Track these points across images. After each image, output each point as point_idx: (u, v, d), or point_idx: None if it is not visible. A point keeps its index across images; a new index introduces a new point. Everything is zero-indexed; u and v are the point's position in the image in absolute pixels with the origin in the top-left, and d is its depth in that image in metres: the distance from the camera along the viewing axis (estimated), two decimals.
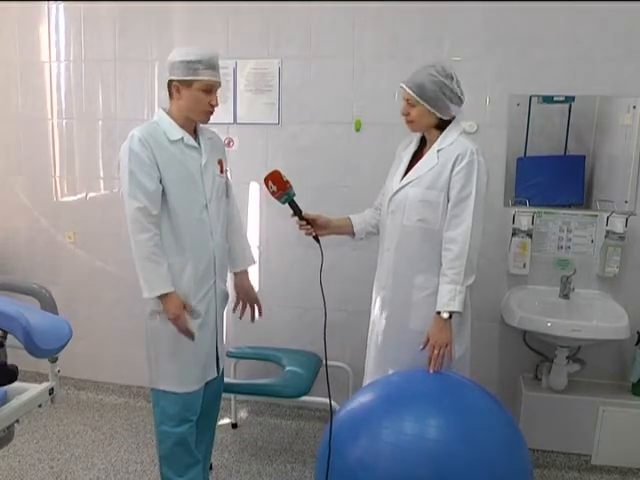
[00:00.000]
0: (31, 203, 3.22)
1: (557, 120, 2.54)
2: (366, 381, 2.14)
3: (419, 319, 1.99)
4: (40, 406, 1.76)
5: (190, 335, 1.95)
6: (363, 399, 1.82)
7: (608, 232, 2.51)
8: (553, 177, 2.60)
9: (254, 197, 2.91)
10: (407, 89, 1.92)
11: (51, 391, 1.77)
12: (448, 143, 1.94)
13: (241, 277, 2.22)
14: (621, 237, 2.48)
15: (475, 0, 2.50)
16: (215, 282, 2.04)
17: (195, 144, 2.00)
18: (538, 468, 2.54)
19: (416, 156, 2.05)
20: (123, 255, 3.01)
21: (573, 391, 2.55)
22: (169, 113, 1.97)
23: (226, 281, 2.17)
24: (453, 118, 1.97)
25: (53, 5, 3.00)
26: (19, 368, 1.60)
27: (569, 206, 2.60)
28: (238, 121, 2.86)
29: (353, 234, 2.21)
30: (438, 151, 1.95)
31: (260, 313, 2.23)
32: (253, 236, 2.95)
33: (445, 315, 1.89)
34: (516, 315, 2.40)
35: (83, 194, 3.15)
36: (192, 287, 1.98)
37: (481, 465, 1.56)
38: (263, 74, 2.79)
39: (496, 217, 2.60)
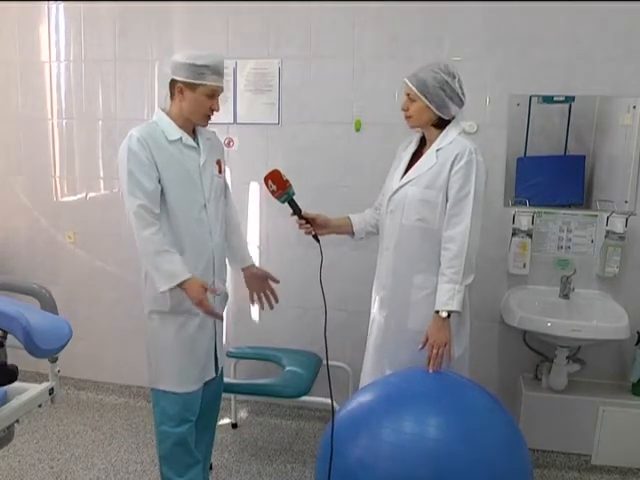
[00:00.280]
0: (31, 203, 3.22)
1: (557, 120, 2.54)
2: (363, 380, 2.15)
3: (418, 319, 1.99)
4: (40, 406, 1.76)
5: (218, 316, 1.98)
6: (363, 399, 1.82)
7: (608, 232, 2.51)
8: (553, 177, 2.60)
9: (254, 197, 2.91)
10: (409, 83, 1.93)
11: (51, 391, 1.77)
12: (447, 142, 1.95)
13: (250, 269, 2.22)
14: (621, 237, 2.48)
15: (475, 0, 2.51)
16: (214, 282, 2.04)
17: (194, 144, 2.00)
18: (538, 468, 2.54)
19: (416, 156, 2.06)
20: (123, 255, 3.03)
21: (573, 391, 2.55)
22: (168, 113, 1.97)
23: (225, 281, 2.17)
24: (453, 118, 1.98)
25: (53, 5, 3.00)
26: (19, 368, 1.60)
27: (569, 206, 2.60)
28: (238, 121, 2.86)
29: (353, 234, 2.22)
30: (437, 150, 1.95)
31: (276, 299, 2.21)
32: (253, 236, 2.95)
33: (444, 314, 1.89)
34: (516, 315, 2.40)
35: (83, 194, 3.15)
36: None
37: (481, 465, 1.56)
38: (263, 74, 2.79)
39: (496, 217, 2.60)
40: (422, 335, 1.94)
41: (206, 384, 2.09)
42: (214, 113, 1.98)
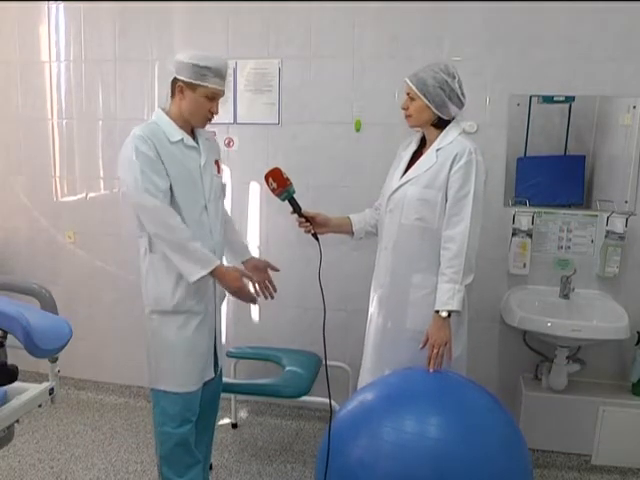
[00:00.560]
0: (31, 203, 3.22)
1: (557, 120, 2.54)
2: (362, 380, 2.15)
3: (417, 318, 1.99)
4: (40, 406, 1.76)
5: (255, 300, 2.02)
6: (363, 398, 1.82)
7: (608, 232, 2.51)
8: (553, 177, 2.60)
9: (254, 197, 2.91)
10: (409, 82, 1.94)
11: (51, 391, 1.77)
12: (447, 142, 1.95)
13: (251, 261, 2.23)
14: (621, 237, 2.48)
15: (475, 0, 2.51)
16: (214, 281, 2.04)
17: (195, 145, 2.00)
18: (538, 468, 2.54)
19: (416, 156, 2.06)
20: (123, 255, 3.03)
21: (573, 391, 2.55)
22: (168, 113, 1.97)
23: None
24: (453, 119, 1.98)
25: (53, 5, 3.00)
26: (19, 368, 1.60)
27: (569, 206, 2.60)
28: (238, 121, 2.86)
29: (352, 233, 2.22)
30: (437, 150, 1.96)
31: (275, 288, 2.21)
32: (253, 236, 2.95)
33: (444, 314, 1.89)
34: (516, 315, 2.40)
35: (83, 194, 3.15)
36: (192, 286, 1.97)
37: (481, 464, 1.56)
38: (263, 74, 2.79)
39: (496, 217, 2.61)
40: (421, 334, 1.94)
41: (205, 384, 2.09)
42: (213, 116, 1.99)
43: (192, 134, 2.02)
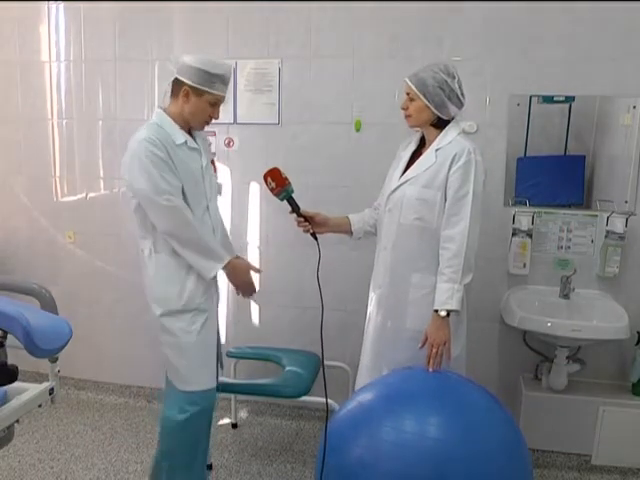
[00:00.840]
0: (31, 203, 3.22)
1: (557, 120, 2.54)
2: (360, 379, 2.15)
3: (416, 318, 2.00)
4: (40, 406, 1.75)
5: (255, 291, 2.10)
6: (363, 398, 1.82)
7: (608, 232, 2.51)
8: (553, 177, 2.59)
9: (254, 197, 2.91)
10: (408, 82, 1.95)
11: (51, 391, 1.77)
12: (446, 142, 1.95)
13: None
14: (621, 237, 2.48)
15: (475, 0, 2.50)
16: (216, 280, 2.05)
17: (196, 146, 2.01)
18: (538, 468, 2.54)
19: (415, 155, 2.07)
20: (123, 255, 3.03)
21: (573, 391, 2.55)
22: (168, 113, 1.96)
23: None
24: (452, 119, 1.98)
25: (53, 5, 3.00)
26: (19, 368, 1.60)
27: (569, 206, 2.60)
28: (238, 121, 2.86)
29: (351, 233, 2.22)
30: (436, 150, 1.96)
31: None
32: (253, 236, 2.95)
33: (443, 313, 1.90)
34: (516, 315, 2.40)
35: (83, 194, 3.15)
36: (199, 286, 2.00)
37: (481, 464, 1.56)
38: (263, 74, 2.79)
39: (496, 217, 2.60)
40: (420, 334, 1.94)
41: None
42: (212, 120, 2.00)
43: (190, 134, 2.02)
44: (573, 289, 2.56)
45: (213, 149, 2.89)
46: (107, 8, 2.92)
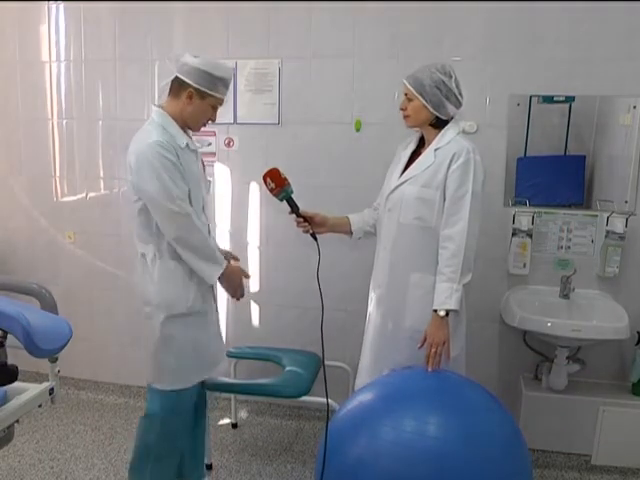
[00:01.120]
0: (31, 203, 3.22)
1: (557, 120, 2.54)
2: (360, 379, 2.15)
3: (415, 317, 2.00)
4: (40, 406, 1.76)
5: (242, 295, 2.10)
6: (363, 398, 1.82)
7: (608, 232, 2.51)
8: (553, 177, 2.59)
9: (254, 197, 2.91)
10: (406, 83, 1.96)
11: (51, 391, 1.77)
12: (445, 142, 1.96)
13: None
14: (621, 237, 2.48)
15: (475, 0, 2.50)
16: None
17: (195, 148, 2.01)
18: (538, 468, 2.54)
19: (415, 155, 2.07)
20: (123, 255, 3.03)
21: (573, 391, 2.55)
22: (168, 113, 1.95)
23: None
24: (451, 119, 1.98)
25: (53, 5, 3.00)
26: (19, 368, 1.60)
27: (569, 206, 2.60)
28: (238, 121, 2.86)
29: (350, 233, 2.23)
30: (435, 150, 1.97)
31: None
32: (253, 236, 2.95)
33: (442, 313, 1.90)
34: (516, 315, 2.40)
35: (83, 194, 3.15)
36: (201, 289, 2.01)
37: (481, 463, 1.56)
38: (263, 74, 2.79)
39: (496, 217, 2.60)
40: (419, 334, 1.95)
41: None
42: (210, 122, 2.00)
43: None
44: (573, 289, 2.56)
45: (213, 149, 2.90)
46: (107, 8, 2.92)
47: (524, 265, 2.59)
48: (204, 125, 2.00)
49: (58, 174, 3.16)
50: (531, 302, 2.53)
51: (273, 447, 2.76)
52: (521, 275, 2.63)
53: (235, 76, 2.79)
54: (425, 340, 1.92)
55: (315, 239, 2.03)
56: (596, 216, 2.57)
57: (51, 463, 2.58)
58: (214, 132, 2.86)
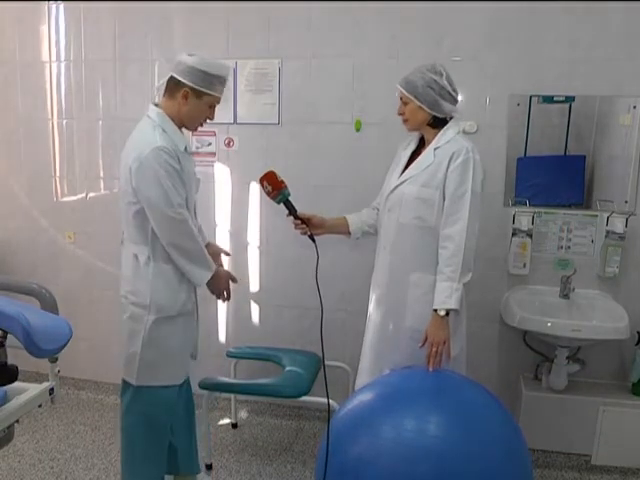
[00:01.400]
0: (31, 203, 3.22)
1: (557, 120, 2.54)
2: (360, 378, 2.15)
3: (415, 317, 2.00)
4: (40, 406, 1.76)
5: (229, 298, 2.12)
6: (363, 397, 1.83)
7: (608, 232, 2.51)
8: (553, 177, 2.59)
9: (254, 197, 2.91)
10: (399, 87, 1.98)
11: (51, 391, 1.77)
12: (445, 141, 1.97)
13: (210, 247, 2.21)
14: (621, 237, 2.48)
15: (475, 0, 2.50)
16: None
17: (191, 150, 2.02)
18: (538, 468, 2.54)
19: (414, 155, 2.07)
20: None
21: (573, 391, 2.55)
22: (166, 114, 1.94)
23: None
24: (451, 118, 1.99)
25: (53, 5, 3.00)
26: (19, 368, 1.60)
27: (569, 206, 2.60)
28: (238, 121, 2.86)
29: (349, 233, 2.23)
30: (435, 149, 1.97)
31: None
32: (253, 236, 2.95)
33: (442, 312, 1.90)
34: (516, 315, 2.40)
35: (83, 194, 3.15)
36: (190, 291, 2.03)
37: (480, 462, 1.56)
38: (263, 74, 2.78)
39: (496, 217, 2.60)
40: (419, 333, 1.95)
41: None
42: (207, 121, 2.00)
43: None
44: (573, 289, 2.56)
45: (213, 149, 2.90)
46: (107, 8, 2.92)
47: (524, 265, 2.59)
48: (201, 124, 1.99)
49: (58, 174, 3.16)
50: (531, 302, 2.53)
51: (273, 447, 2.76)
52: (521, 275, 2.63)
53: (235, 76, 2.79)
54: (426, 340, 1.92)
55: (313, 241, 2.02)
56: (596, 216, 2.57)
57: (51, 463, 2.58)
58: (214, 132, 2.86)
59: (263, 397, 2.94)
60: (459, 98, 1.98)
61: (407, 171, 2.03)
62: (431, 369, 1.89)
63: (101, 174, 3.09)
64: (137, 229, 1.94)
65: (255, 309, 3.00)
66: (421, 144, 2.08)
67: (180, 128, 1.97)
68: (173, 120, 1.93)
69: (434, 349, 1.90)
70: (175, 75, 1.89)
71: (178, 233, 1.90)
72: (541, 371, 2.65)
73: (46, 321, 1.66)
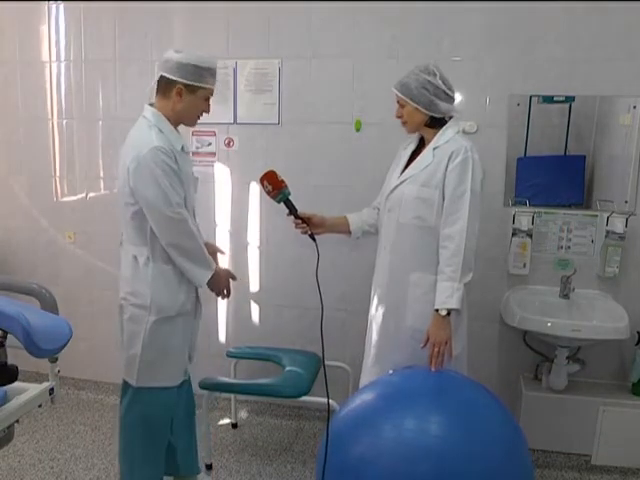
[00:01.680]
0: (31, 203, 3.22)
1: (557, 120, 2.54)
2: (363, 378, 2.16)
3: (416, 317, 2.00)
4: (40, 406, 1.76)
5: (229, 295, 2.11)
6: (364, 397, 1.83)
7: (608, 232, 2.51)
8: (553, 177, 2.59)
9: (254, 197, 2.91)
10: (395, 90, 1.99)
11: (51, 391, 1.77)
12: (444, 141, 1.97)
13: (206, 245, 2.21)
14: (621, 237, 2.48)
15: (475, 0, 2.50)
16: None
17: (189, 150, 2.02)
18: (538, 468, 2.54)
19: (414, 155, 2.08)
20: None
21: (573, 391, 2.55)
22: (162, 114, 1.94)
23: None
24: (450, 118, 2.00)
25: (53, 5, 3.00)
26: (19, 368, 1.60)
27: (569, 206, 2.60)
28: (238, 121, 2.86)
29: (349, 233, 2.23)
30: (434, 149, 1.98)
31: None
32: (253, 236, 2.95)
33: (443, 312, 1.90)
34: (516, 315, 2.40)
35: (83, 194, 3.15)
36: (190, 291, 2.03)
37: (481, 462, 1.56)
38: (263, 74, 2.79)
39: (496, 217, 2.61)
40: (421, 333, 1.95)
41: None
42: (204, 115, 1.99)
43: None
44: (573, 289, 2.56)
45: (213, 149, 2.90)
46: (107, 8, 2.92)
47: (524, 265, 2.59)
48: (199, 118, 1.99)
49: (58, 174, 3.16)
50: (531, 302, 2.53)
51: (273, 447, 2.76)
52: (521, 275, 2.63)
53: (235, 76, 2.79)
54: (428, 340, 1.93)
55: (314, 240, 2.02)
56: (596, 216, 2.57)
57: (51, 463, 2.58)
58: (214, 132, 2.86)
59: (263, 397, 2.94)
60: (456, 97, 1.99)
61: (407, 171, 2.03)
62: (434, 369, 1.89)
63: (101, 174, 3.09)
64: (136, 230, 1.94)
65: (255, 309, 3.01)
66: (421, 144, 2.09)
67: (176, 127, 1.97)
68: (169, 119, 1.93)
69: (436, 349, 1.90)
70: (165, 74, 1.89)
71: (177, 233, 1.90)
72: (541, 371, 2.65)
73: (46, 321, 1.66)
